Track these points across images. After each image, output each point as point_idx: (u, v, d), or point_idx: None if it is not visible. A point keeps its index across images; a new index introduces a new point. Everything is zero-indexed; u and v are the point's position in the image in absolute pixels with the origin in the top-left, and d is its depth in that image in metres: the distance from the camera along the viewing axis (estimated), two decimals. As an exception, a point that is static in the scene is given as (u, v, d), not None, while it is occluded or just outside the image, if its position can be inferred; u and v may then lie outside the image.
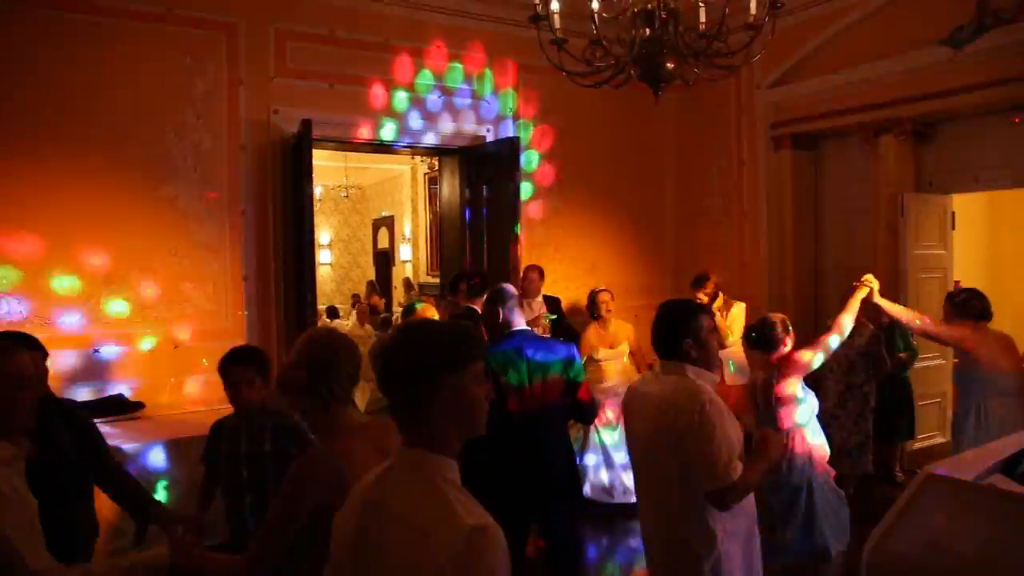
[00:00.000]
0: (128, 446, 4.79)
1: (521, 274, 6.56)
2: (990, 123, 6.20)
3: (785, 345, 3.82)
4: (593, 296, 6.41)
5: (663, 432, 2.54)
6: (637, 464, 2.80)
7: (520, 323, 3.62)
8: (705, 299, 6.41)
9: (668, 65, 3.49)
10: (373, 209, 16.94)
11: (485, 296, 3.88)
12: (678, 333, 2.63)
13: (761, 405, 3.82)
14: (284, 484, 2.14)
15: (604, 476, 5.90)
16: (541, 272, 6.63)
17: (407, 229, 14.71)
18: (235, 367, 3.11)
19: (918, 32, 6.08)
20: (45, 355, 3.02)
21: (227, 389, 3.12)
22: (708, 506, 2.49)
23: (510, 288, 3.69)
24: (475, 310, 5.43)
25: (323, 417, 2.24)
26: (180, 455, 5.03)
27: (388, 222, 15.88)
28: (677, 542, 2.57)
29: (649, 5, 3.47)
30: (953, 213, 6.72)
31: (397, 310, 13.71)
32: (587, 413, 3.90)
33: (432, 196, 13.37)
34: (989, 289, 10.29)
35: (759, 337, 3.88)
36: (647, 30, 3.50)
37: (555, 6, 3.67)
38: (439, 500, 1.44)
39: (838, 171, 7.34)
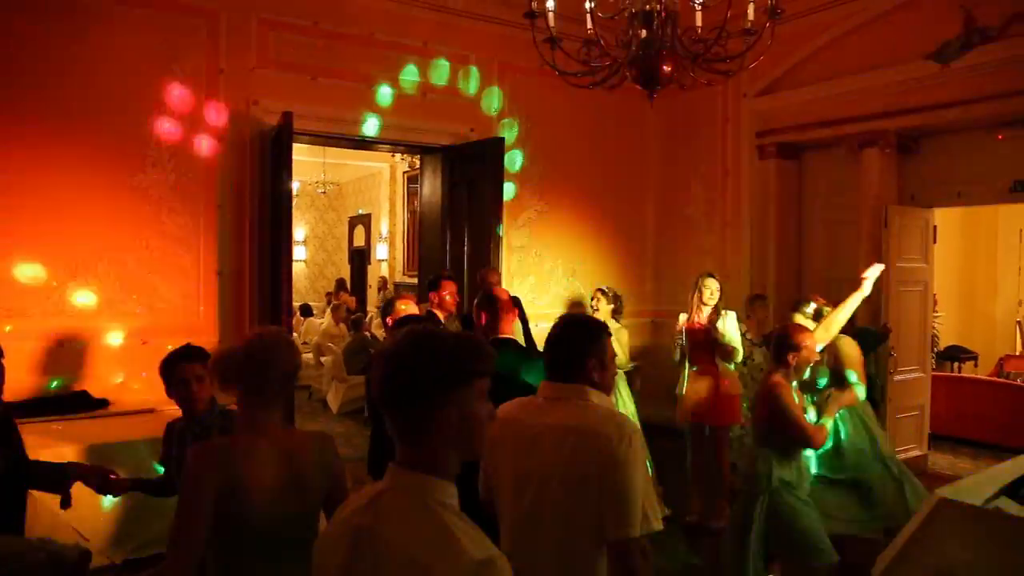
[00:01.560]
0: (91, 445, 4.61)
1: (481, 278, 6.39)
2: (974, 138, 6.23)
3: None
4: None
5: (579, 466, 2.09)
6: (523, 508, 2.19)
7: (508, 331, 3.39)
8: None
9: (665, 68, 3.41)
10: (350, 206, 16.75)
11: (476, 300, 3.59)
12: (584, 353, 2.24)
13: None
14: (182, 481, 2.03)
15: None
16: (499, 274, 6.50)
17: (384, 228, 14.55)
18: (187, 364, 2.95)
19: (905, 46, 6.09)
20: None
21: (175, 388, 2.93)
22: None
23: (503, 293, 3.48)
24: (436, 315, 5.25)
25: (244, 414, 2.11)
26: (146, 455, 4.87)
27: (365, 220, 15.71)
28: None
29: (648, 6, 3.38)
30: (935, 227, 6.74)
31: (372, 310, 13.55)
32: None
33: (411, 195, 13.24)
34: (961, 302, 10.48)
35: None
36: (644, 31, 3.42)
37: (550, 3, 3.58)
38: (440, 529, 1.33)
39: (822, 182, 7.34)
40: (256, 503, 1.96)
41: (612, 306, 5.88)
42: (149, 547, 4.95)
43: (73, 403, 5.06)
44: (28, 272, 5.17)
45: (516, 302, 6.01)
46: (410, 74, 6.72)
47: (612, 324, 5.75)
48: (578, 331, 2.31)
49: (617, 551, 2.03)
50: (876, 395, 5.90)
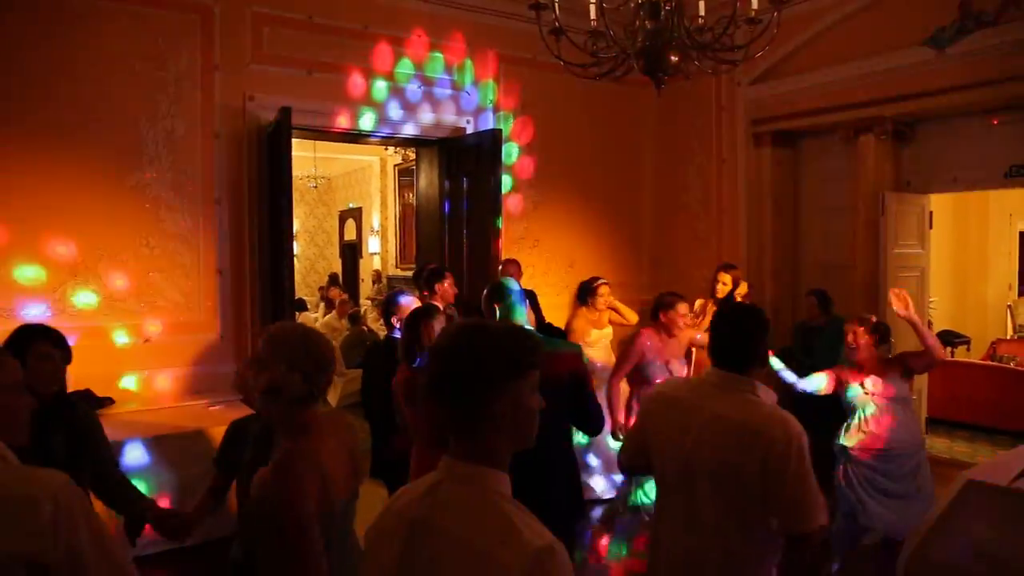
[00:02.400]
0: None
1: (500, 268, 6.47)
2: (969, 124, 6.28)
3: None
4: (592, 286, 6.27)
5: (741, 463, 2.19)
6: (692, 484, 2.31)
7: (523, 323, 3.24)
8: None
9: (672, 58, 3.41)
10: (340, 200, 16.70)
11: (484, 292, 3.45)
12: (757, 348, 2.32)
13: None
14: (281, 494, 1.90)
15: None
16: (519, 266, 6.56)
17: (375, 221, 14.51)
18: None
19: (901, 32, 6.11)
20: (61, 343, 2.92)
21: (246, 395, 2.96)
22: (772, 548, 2.25)
23: (513, 284, 3.34)
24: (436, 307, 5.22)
25: (297, 414, 2.06)
26: (151, 452, 4.87)
27: (355, 214, 15.66)
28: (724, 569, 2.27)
29: (654, -4, 3.39)
30: (931, 212, 6.80)
31: (365, 303, 13.52)
32: (594, 421, 3.23)
33: (403, 188, 13.20)
34: (954, 286, 10.57)
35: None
36: (651, 22, 3.42)
37: (556, -6, 3.57)
38: (500, 519, 1.34)
39: (818, 169, 7.38)
40: (336, 497, 2.01)
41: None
42: (168, 542, 4.95)
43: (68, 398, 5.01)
44: (29, 273, 5.13)
45: (531, 295, 6.04)
46: (405, 67, 6.69)
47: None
48: (756, 324, 2.37)
49: (798, 543, 2.18)
50: None
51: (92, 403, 5.11)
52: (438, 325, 3.58)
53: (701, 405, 2.31)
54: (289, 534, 1.86)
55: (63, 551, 1.55)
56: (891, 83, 6.28)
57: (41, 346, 2.80)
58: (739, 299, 5.63)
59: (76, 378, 5.20)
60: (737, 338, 2.34)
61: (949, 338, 10.04)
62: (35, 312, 5.13)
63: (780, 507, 2.17)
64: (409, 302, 4.59)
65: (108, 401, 5.18)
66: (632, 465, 2.61)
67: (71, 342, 5.06)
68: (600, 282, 6.30)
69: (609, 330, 6.28)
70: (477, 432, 1.41)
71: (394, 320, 4.44)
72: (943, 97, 6.04)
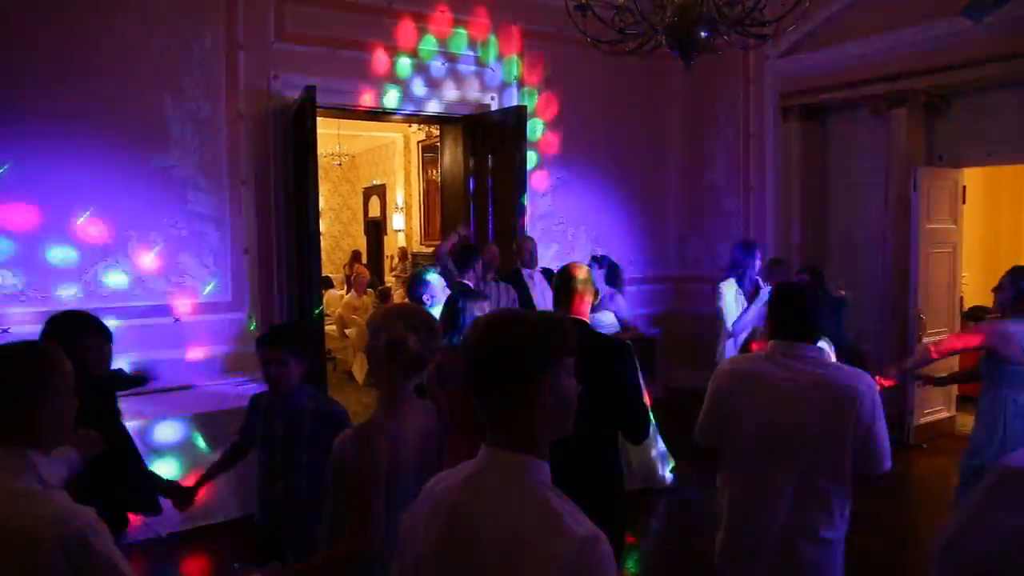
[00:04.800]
0: (130, 423, 4.67)
1: (517, 247, 6.41)
2: (1005, 96, 6.12)
3: None
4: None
5: (838, 416, 2.41)
6: (770, 451, 2.49)
7: (582, 312, 2.98)
8: None
9: (702, 33, 3.35)
10: (363, 177, 16.70)
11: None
12: (816, 317, 2.56)
13: None
14: (356, 459, 2.08)
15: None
16: (535, 242, 6.47)
17: (399, 198, 14.51)
18: (264, 347, 3.01)
19: (934, 2, 5.95)
20: (109, 337, 2.97)
21: (261, 368, 3.05)
22: (843, 498, 2.47)
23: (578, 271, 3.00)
24: (467, 286, 5.22)
25: (399, 387, 2.22)
26: (183, 431, 4.95)
27: (379, 191, 15.67)
28: (808, 532, 2.47)
29: (683, -30, 3.31)
30: (964, 187, 6.66)
31: (390, 280, 13.57)
32: (640, 427, 2.87)
33: (426, 164, 13.17)
34: (986, 263, 10.39)
35: None
36: (679, -4, 3.36)
37: (583, -30, 3.51)
38: (542, 507, 1.33)
39: (847, 144, 7.25)
40: (405, 476, 2.10)
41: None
42: (194, 520, 5.05)
43: (109, 382, 5.09)
44: (60, 255, 5.19)
45: (549, 275, 5.93)
46: (430, 44, 6.65)
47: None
48: (814, 302, 2.60)
49: (875, 480, 2.50)
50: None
51: (123, 383, 5.20)
52: (478, 307, 3.58)
53: (785, 375, 2.50)
54: (354, 494, 2.05)
55: None
56: (924, 55, 6.14)
57: (90, 340, 2.86)
58: None
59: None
60: (802, 314, 2.55)
61: (980, 313, 9.86)
62: (68, 294, 5.21)
63: (867, 453, 2.41)
64: (438, 280, 4.59)
65: (140, 381, 5.25)
66: (707, 443, 2.70)
67: (104, 322, 5.12)
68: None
69: (607, 316, 5.78)
70: (516, 420, 1.40)
71: (425, 298, 4.42)
72: (979, 69, 5.89)
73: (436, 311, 3.97)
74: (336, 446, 2.16)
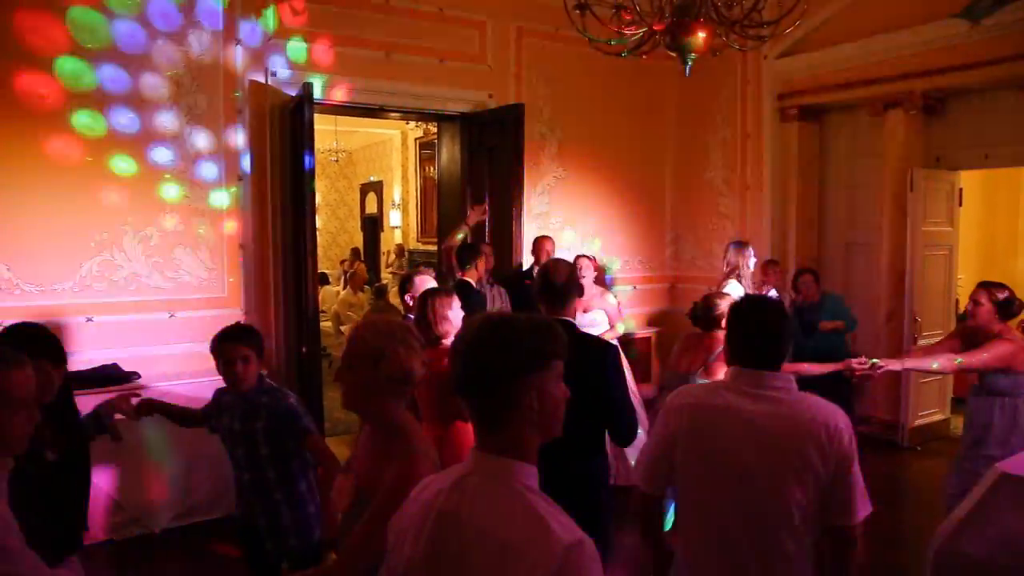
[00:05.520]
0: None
1: (533, 246, 6.41)
2: (1003, 99, 6.13)
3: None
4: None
5: (802, 456, 2.06)
6: (727, 496, 2.15)
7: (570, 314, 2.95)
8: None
9: (700, 34, 3.34)
10: (360, 174, 16.69)
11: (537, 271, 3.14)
12: (783, 344, 2.19)
13: None
14: (399, 489, 1.81)
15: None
16: (554, 242, 6.49)
17: (396, 195, 14.50)
18: (228, 345, 3.01)
19: (932, 4, 5.96)
20: (59, 360, 2.68)
21: (220, 367, 3.04)
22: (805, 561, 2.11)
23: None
24: (468, 283, 5.22)
25: (395, 406, 2.04)
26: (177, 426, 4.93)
27: (376, 187, 15.65)
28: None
29: (682, -30, 3.31)
30: (961, 190, 6.67)
31: (387, 277, 13.57)
32: (627, 428, 2.85)
33: (423, 161, 13.16)
34: (981, 266, 10.40)
35: None
36: (678, -4, 3.35)
37: (582, -31, 3.50)
38: (529, 512, 1.33)
39: (844, 145, 7.26)
40: None
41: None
42: (187, 516, 5.06)
43: (103, 377, 5.09)
44: (55, 249, 5.17)
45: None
46: (427, 41, 6.63)
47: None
48: (777, 319, 2.22)
49: (838, 536, 2.09)
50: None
51: (118, 378, 5.19)
52: (442, 304, 3.53)
53: (740, 409, 2.15)
54: (377, 511, 1.86)
55: None
56: (922, 56, 6.14)
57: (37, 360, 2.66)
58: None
59: (103, 353, 5.31)
60: (763, 336, 2.19)
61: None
62: (62, 288, 5.19)
63: (836, 500, 2.07)
64: (423, 280, 4.55)
65: (134, 376, 5.24)
66: (655, 488, 2.35)
67: (98, 318, 5.16)
68: (579, 256, 6.01)
69: (599, 316, 5.74)
70: (504, 424, 1.40)
71: (407, 298, 4.40)
72: (976, 71, 5.89)
73: None
74: (386, 475, 1.93)
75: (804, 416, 2.09)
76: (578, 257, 5.90)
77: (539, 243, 6.26)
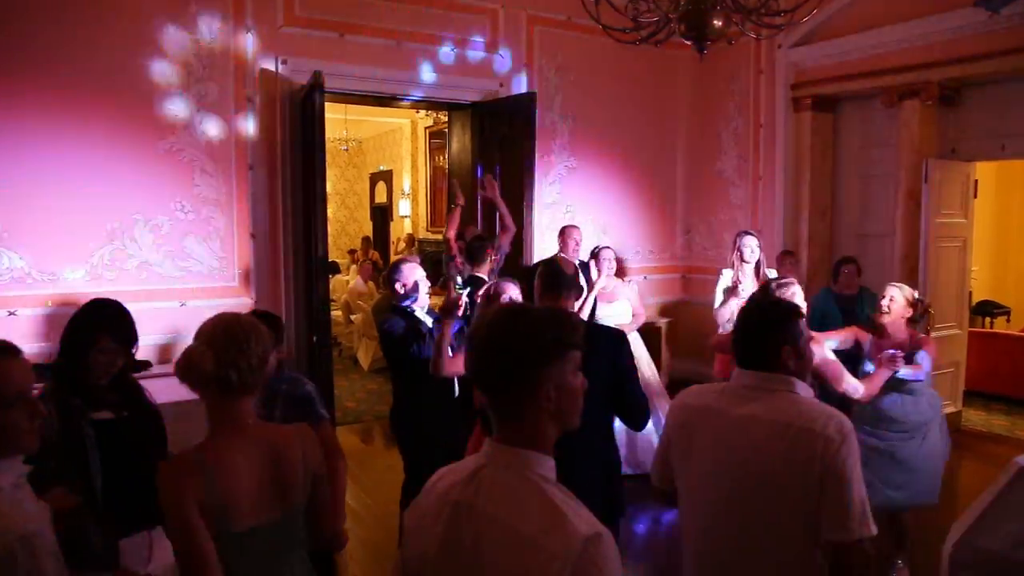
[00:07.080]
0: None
1: (562, 235, 6.23)
2: (1021, 89, 6.03)
3: None
4: (595, 252, 5.97)
5: (794, 464, 1.94)
6: (720, 504, 2.07)
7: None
8: None
9: (716, 22, 3.31)
10: (370, 163, 16.66)
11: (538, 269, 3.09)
12: (777, 339, 2.10)
13: None
14: (160, 493, 1.80)
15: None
16: (580, 231, 6.25)
17: (406, 184, 14.47)
18: None
19: (950, -7, 5.88)
20: (127, 340, 2.71)
21: None
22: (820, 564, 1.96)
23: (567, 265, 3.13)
24: (481, 279, 5.13)
25: (219, 407, 1.92)
26: (187, 415, 4.94)
27: (386, 176, 15.63)
28: None
29: (698, -43, 3.27)
30: (976, 181, 6.60)
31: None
32: (640, 414, 2.87)
33: (433, 151, 13.12)
34: (995, 258, 10.31)
35: None
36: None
37: (596, -44, 3.46)
38: (546, 504, 1.32)
39: (858, 135, 7.19)
40: (239, 510, 1.82)
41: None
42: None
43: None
44: (67, 238, 5.19)
45: (585, 267, 5.76)
46: (439, 29, 6.60)
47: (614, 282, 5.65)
48: (769, 315, 2.17)
49: (833, 551, 1.93)
50: None
51: (131, 366, 5.20)
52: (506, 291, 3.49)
53: (721, 410, 2.10)
54: (172, 536, 1.78)
55: None
56: (939, 46, 6.07)
57: (104, 338, 2.65)
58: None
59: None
60: (753, 334, 2.14)
61: (989, 308, 9.85)
62: (74, 276, 5.20)
63: (828, 512, 1.91)
64: (411, 268, 4.40)
65: (146, 365, 5.25)
66: (664, 483, 2.29)
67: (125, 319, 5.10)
68: (601, 247, 5.75)
69: (623, 306, 5.62)
70: (521, 415, 1.39)
71: (398, 286, 4.27)
72: (993, 61, 5.81)
73: (421, 300, 3.91)
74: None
75: (792, 420, 1.99)
76: (603, 248, 5.76)
77: (566, 232, 6.07)
